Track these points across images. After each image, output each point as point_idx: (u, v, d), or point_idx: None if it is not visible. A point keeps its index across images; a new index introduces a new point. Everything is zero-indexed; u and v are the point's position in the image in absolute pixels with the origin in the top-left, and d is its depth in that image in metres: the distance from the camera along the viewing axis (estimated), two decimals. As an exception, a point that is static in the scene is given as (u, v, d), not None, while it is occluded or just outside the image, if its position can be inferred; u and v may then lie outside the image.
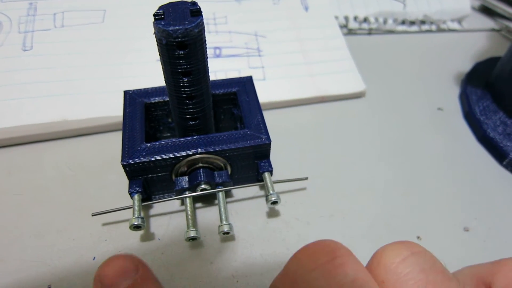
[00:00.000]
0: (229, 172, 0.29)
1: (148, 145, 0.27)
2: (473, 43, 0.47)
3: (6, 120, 0.32)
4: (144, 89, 0.30)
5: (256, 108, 0.30)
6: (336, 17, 0.46)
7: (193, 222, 0.26)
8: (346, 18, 0.47)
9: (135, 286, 0.18)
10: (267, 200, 0.28)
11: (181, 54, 0.23)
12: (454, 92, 0.41)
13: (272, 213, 0.30)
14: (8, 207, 0.29)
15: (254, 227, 0.29)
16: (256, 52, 0.41)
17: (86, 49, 0.38)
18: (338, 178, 0.33)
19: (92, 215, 0.27)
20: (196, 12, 0.23)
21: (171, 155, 0.27)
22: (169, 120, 0.32)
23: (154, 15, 0.22)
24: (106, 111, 0.34)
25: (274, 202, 0.28)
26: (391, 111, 0.39)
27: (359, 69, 0.40)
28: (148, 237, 0.28)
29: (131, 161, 0.26)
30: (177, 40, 0.22)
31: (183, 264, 0.27)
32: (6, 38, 0.37)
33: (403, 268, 0.16)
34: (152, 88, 0.31)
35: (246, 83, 0.32)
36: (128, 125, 0.28)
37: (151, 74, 0.37)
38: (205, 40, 0.23)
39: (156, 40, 0.23)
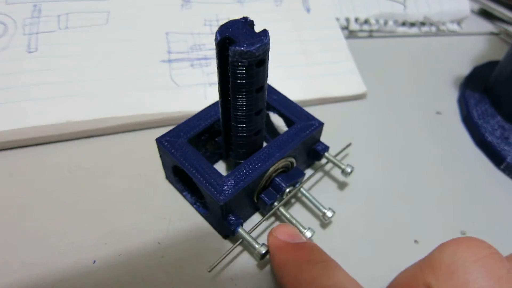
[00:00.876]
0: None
1: (230, 176, 0.26)
2: (472, 47, 0.48)
3: (12, 122, 0.32)
4: (173, 128, 0.29)
5: (288, 101, 0.31)
6: (338, 19, 0.46)
7: (300, 223, 0.27)
8: (348, 20, 0.47)
9: (302, 249, 0.23)
10: (344, 173, 0.31)
11: (259, 70, 0.23)
12: (453, 95, 0.41)
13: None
14: (10, 210, 0.30)
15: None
16: (257, 54, 0.41)
17: (90, 51, 0.38)
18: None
19: (209, 271, 0.26)
20: (253, 26, 0.23)
21: (260, 173, 0.27)
22: (204, 150, 0.31)
23: (220, 42, 0.22)
24: (110, 112, 0.34)
25: (351, 172, 0.31)
26: (391, 114, 0.39)
27: (360, 71, 0.41)
28: (148, 240, 0.28)
29: (228, 198, 0.25)
30: (259, 58, 0.22)
31: (182, 268, 0.27)
32: (11, 40, 0.37)
33: None
34: (181, 124, 0.29)
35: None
36: (192, 168, 0.27)
37: (154, 75, 0.37)
38: None
39: (232, 65, 0.22)
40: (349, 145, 0.33)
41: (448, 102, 0.41)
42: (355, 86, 0.39)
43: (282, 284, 0.23)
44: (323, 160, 0.32)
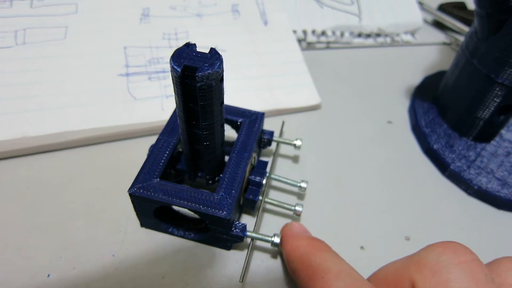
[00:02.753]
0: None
1: (220, 190, 0.27)
2: (425, 57, 0.50)
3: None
4: (138, 176, 0.28)
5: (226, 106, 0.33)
6: (295, 31, 0.48)
7: (286, 203, 0.31)
8: (305, 32, 0.49)
9: (314, 240, 0.26)
10: (296, 147, 0.35)
11: (221, 85, 0.24)
12: (404, 105, 0.43)
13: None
14: (-34, 226, 0.30)
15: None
16: (217, 66, 0.42)
17: (48, 66, 0.38)
18: (289, 191, 0.34)
19: (240, 282, 0.27)
20: (196, 47, 0.23)
21: (242, 177, 0.28)
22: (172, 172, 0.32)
23: (183, 71, 0.22)
24: (67, 126, 0.35)
25: (301, 145, 0.34)
26: (343, 123, 0.41)
27: (316, 82, 0.42)
28: (102, 253, 0.29)
29: (230, 210, 0.26)
30: (221, 75, 0.23)
31: (136, 279, 0.28)
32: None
33: None
34: (142, 169, 0.28)
35: None
36: (182, 200, 0.27)
37: (111, 88, 0.38)
38: None
39: (201, 89, 0.23)
40: (283, 123, 0.37)
41: (399, 111, 0.43)
42: (310, 97, 0.41)
43: (293, 268, 0.25)
44: (272, 146, 0.36)
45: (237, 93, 0.40)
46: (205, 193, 0.27)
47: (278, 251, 0.30)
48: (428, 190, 0.36)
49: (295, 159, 0.37)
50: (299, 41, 0.48)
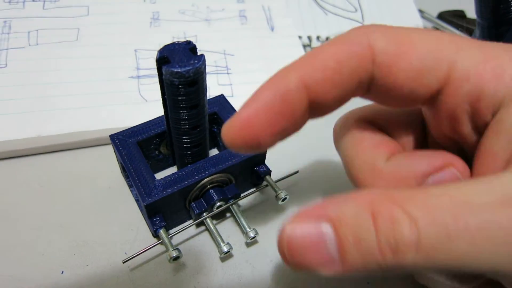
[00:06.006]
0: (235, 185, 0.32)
1: (161, 180, 0.28)
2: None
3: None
4: (129, 129, 0.31)
5: None
6: (300, 37, 0.49)
7: (221, 237, 0.29)
8: (309, 38, 0.50)
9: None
10: (277, 199, 0.31)
11: (191, 90, 0.25)
12: (406, 110, 0.44)
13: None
14: (-21, 223, 0.30)
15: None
16: (224, 70, 0.43)
17: (60, 67, 0.39)
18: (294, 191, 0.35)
19: (123, 262, 0.28)
20: (194, 50, 0.25)
21: (190, 183, 0.28)
22: (157, 153, 0.33)
23: (158, 60, 0.24)
24: (80, 126, 0.35)
25: (285, 199, 0.31)
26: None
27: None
28: (115, 251, 0.30)
29: (153, 199, 0.27)
30: (189, 79, 0.24)
31: (148, 277, 0.29)
32: (-20, 56, 0.38)
33: None
34: (137, 126, 0.31)
35: (222, 102, 0.34)
36: (131, 166, 0.29)
37: (123, 90, 0.38)
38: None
39: (165, 82, 0.24)
40: (296, 172, 0.34)
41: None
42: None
43: None
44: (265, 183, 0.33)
45: (245, 97, 0.40)
46: (151, 175, 0.28)
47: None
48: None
49: (279, 209, 0.33)
50: (304, 46, 0.49)
